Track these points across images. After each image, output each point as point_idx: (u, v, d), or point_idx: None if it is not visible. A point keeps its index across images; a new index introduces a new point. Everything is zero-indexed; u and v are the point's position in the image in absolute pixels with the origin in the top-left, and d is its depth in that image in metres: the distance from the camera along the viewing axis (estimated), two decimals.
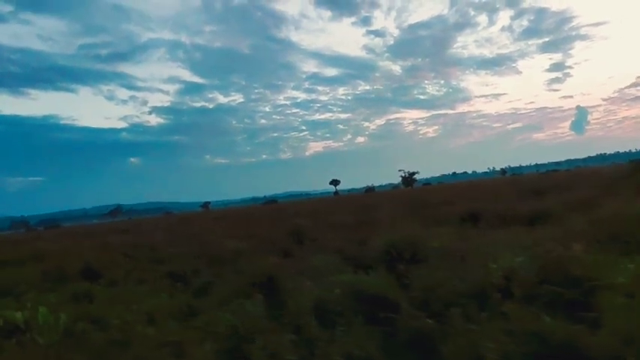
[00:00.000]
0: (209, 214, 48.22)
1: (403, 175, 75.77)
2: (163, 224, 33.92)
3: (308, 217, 19.31)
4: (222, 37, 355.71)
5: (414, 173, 74.81)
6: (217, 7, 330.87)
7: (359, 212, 19.25)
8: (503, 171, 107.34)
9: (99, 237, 23.44)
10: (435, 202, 19.46)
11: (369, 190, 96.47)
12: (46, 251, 15.47)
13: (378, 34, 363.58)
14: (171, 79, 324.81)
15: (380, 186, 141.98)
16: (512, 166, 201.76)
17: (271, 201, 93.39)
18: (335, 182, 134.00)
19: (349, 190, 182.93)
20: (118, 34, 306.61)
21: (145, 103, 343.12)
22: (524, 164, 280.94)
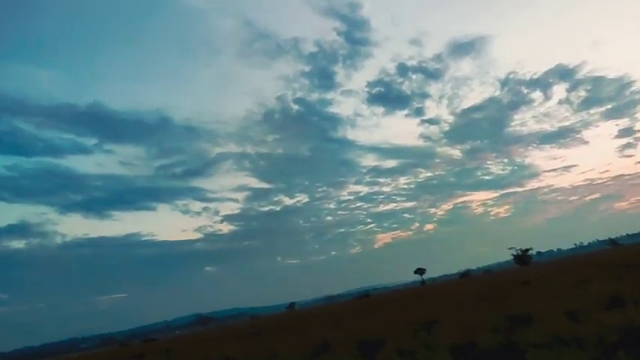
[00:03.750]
0: (325, 311, 47.41)
1: (515, 252, 71.53)
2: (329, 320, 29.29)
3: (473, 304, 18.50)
4: (284, 144, 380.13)
5: (527, 250, 70.47)
6: (277, 118, 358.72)
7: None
8: (612, 241, 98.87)
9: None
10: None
11: (465, 274, 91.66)
12: None
13: (432, 122, 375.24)
14: (240, 188, 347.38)
15: (473, 269, 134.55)
16: (600, 239, 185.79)
17: (364, 295, 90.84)
18: (420, 271, 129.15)
19: (433, 279, 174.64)
20: (191, 152, 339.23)
21: (216, 212, 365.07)
22: (612, 236, 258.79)
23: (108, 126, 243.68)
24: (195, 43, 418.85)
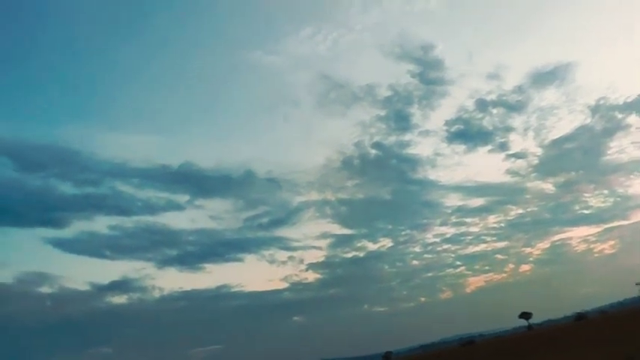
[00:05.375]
0: None
1: None
2: None
3: None
4: (364, 189, 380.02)
5: None
6: (355, 164, 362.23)
7: None
8: None
9: None
10: None
11: (580, 317, 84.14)
12: None
13: (519, 156, 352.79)
14: (323, 235, 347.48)
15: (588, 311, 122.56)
16: None
17: (467, 342, 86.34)
18: (526, 315, 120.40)
19: (538, 324, 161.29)
20: (274, 203, 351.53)
21: (301, 261, 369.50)
22: None
23: (198, 183, 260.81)
24: (274, 99, 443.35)
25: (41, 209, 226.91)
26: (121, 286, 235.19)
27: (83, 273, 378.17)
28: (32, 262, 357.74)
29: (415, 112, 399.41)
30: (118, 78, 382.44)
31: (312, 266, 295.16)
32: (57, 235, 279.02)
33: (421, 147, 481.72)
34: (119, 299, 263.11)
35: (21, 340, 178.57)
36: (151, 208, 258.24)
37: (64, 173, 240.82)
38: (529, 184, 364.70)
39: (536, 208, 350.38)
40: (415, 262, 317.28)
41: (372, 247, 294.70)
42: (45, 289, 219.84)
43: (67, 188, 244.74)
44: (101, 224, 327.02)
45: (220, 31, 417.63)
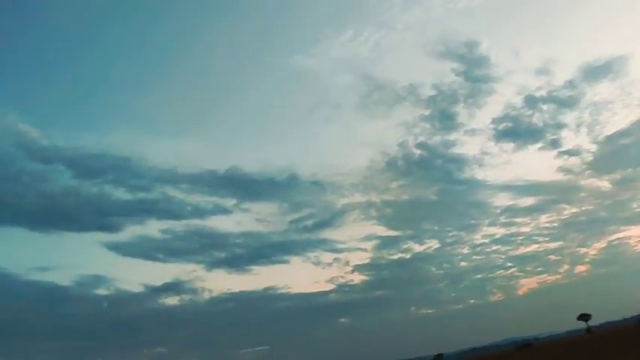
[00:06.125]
0: None
1: None
2: None
3: None
4: (409, 190, 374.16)
5: None
6: (400, 164, 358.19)
7: None
8: None
9: None
10: None
11: None
12: None
13: (571, 153, 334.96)
14: (368, 237, 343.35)
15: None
16: None
17: (523, 345, 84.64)
18: (585, 317, 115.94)
19: (597, 326, 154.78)
20: (319, 205, 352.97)
21: (347, 263, 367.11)
22: None
23: (244, 187, 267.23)
24: (316, 102, 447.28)
25: (97, 214, 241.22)
26: (173, 287, 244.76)
27: (137, 275, 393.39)
28: (89, 265, 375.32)
29: (460, 111, 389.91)
30: (166, 84, 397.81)
31: (358, 268, 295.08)
32: (112, 239, 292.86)
33: (467, 146, 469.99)
34: (171, 300, 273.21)
35: (79, 341, 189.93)
36: (200, 212, 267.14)
37: (118, 180, 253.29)
38: (583, 182, 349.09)
39: (591, 207, 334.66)
40: (463, 263, 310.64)
41: (418, 248, 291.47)
42: (101, 291, 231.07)
43: (120, 194, 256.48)
44: (153, 228, 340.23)
45: (262, 37, 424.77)
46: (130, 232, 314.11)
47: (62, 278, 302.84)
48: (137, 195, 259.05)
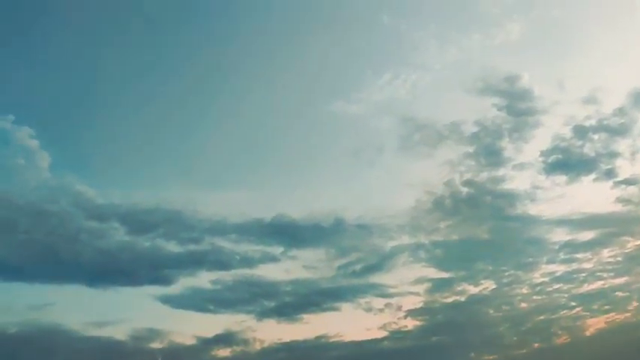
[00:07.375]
0: None
1: None
2: None
3: None
4: (458, 229, 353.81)
5: None
6: (447, 203, 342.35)
7: None
8: None
9: None
10: None
11: None
12: None
13: (629, 182, 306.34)
14: (419, 280, 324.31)
15: None
16: None
17: None
18: None
19: None
20: (366, 249, 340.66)
21: (399, 308, 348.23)
22: None
23: (290, 234, 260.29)
24: (359, 146, 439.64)
25: (150, 268, 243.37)
26: (224, 339, 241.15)
27: (190, 327, 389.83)
28: (143, 319, 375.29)
29: (506, 146, 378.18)
30: (212, 137, 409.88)
31: (411, 313, 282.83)
32: (165, 292, 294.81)
33: (517, 181, 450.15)
34: (224, 352, 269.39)
35: None
36: (248, 262, 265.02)
37: (170, 233, 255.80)
38: None
39: None
40: (524, 304, 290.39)
41: (473, 290, 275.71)
42: (156, 345, 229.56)
43: (172, 247, 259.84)
44: (204, 279, 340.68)
45: (303, 85, 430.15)
46: (182, 284, 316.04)
47: (118, 333, 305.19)
48: (188, 247, 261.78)
